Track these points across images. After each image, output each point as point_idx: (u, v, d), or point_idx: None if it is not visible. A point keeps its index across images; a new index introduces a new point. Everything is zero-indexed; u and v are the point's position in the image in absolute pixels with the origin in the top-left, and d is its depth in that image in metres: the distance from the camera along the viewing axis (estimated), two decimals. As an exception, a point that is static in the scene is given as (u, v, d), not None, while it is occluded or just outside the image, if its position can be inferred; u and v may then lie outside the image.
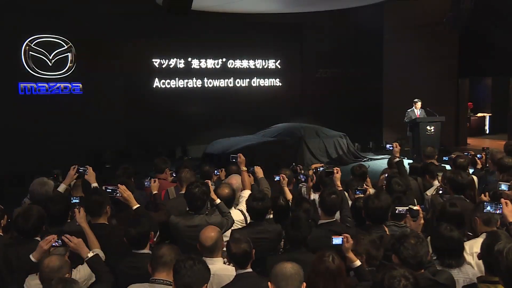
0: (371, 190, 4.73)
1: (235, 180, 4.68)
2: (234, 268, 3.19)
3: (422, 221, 3.57)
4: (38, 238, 3.31)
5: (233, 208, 4.22)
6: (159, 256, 2.83)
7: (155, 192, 4.52)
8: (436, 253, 3.15)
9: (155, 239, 3.69)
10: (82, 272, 3.11)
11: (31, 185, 4.40)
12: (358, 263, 3.07)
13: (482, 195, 4.37)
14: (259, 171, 4.89)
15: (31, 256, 3.05)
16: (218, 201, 3.96)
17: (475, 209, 3.52)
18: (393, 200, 3.84)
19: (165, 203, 4.52)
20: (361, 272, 3.03)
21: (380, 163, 11.13)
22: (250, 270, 2.98)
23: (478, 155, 6.29)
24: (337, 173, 4.60)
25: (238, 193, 4.54)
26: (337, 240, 3.15)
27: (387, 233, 3.63)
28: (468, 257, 3.23)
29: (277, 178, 4.80)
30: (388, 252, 3.29)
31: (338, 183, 4.57)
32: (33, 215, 3.38)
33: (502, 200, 3.13)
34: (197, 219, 3.76)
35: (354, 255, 3.08)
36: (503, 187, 4.10)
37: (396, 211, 3.66)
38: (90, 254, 3.12)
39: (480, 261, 3.20)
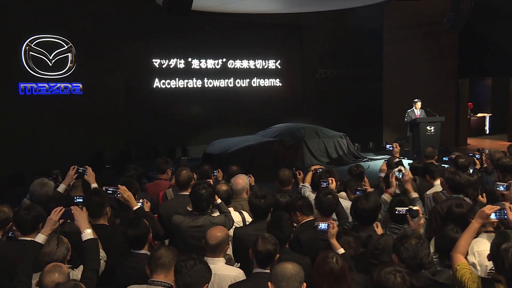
0: (371, 191, 4.73)
1: (241, 179, 4.63)
2: (235, 268, 3.19)
3: (422, 221, 3.57)
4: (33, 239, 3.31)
5: (232, 209, 4.21)
6: (157, 257, 2.82)
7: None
8: (439, 253, 3.16)
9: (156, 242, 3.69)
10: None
11: (31, 185, 4.39)
12: (341, 250, 3.17)
13: (480, 196, 4.38)
14: (251, 180, 4.87)
15: (39, 234, 3.04)
16: (219, 201, 3.97)
17: (470, 212, 3.52)
18: (396, 202, 3.85)
19: (162, 204, 4.51)
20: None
21: (380, 163, 11.11)
22: (268, 271, 2.97)
23: (476, 156, 6.30)
24: (331, 183, 4.56)
25: (243, 194, 4.51)
26: (323, 226, 3.30)
27: (378, 232, 3.64)
28: (470, 257, 3.23)
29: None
30: (376, 251, 3.30)
31: None
32: (35, 209, 3.41)
33: (506, 205, 3.12)
34: (201, 220, 3.78)
35: None
36: (501, 187, 4.10)
37: (396, 212, 3.66)
38: (88, 231, 3.11)
39: (484, 260, 3.22)
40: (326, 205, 3.81)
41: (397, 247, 2.81)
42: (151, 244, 3.59)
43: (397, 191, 4.70)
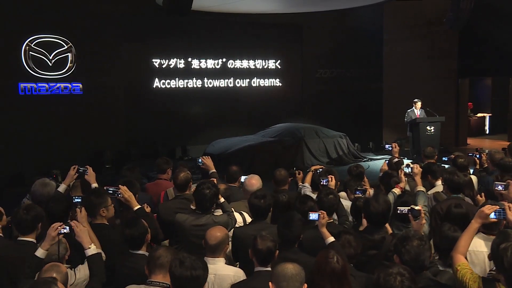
0: (371, 191, 4.73)
1: (255, 180, 4.63)
2: (235, 268, 3.19)
3: (424, 221, 3.57)
4: (33, 240, 3.30)
5: (233, 209, 4.21)
6: (155, 257, 2.82)
7: None
8: (439, 253, 3.15)
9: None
10: (82, 272, 3.12)
11: (33, 186, 4.37)
12: (331, 239, 3.31)
13: (478, 195, 4.37)
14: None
15: (39, 248, 3.01)
16: (222, 199, 3.97)
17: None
18: (400, 203, 3.86)
19: (161, 205, 4.52)
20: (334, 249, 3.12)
21: (380, 163, 11.11)
22: (269, 269, 2.98)
23: (477, 156, 6.30)
24: (331, 180, 4.58)
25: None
26: (313, 216, 3.44)
27: (389, 233, 3.64)
28: None
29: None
30: (390, 253, 3.30)
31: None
32: (34, 209, 3.41)
33: (506, 204, 3.11)
34: (204, 219, 3.78)
35: None
36: (499, 187, 4.10)
37: (398, 211, 3.66)
38: (92, 247, 3.12)
39: (475, 260, 3.22)
40: (328, 205, 3.82)
41: (399, 249, 2.80)
42: (150, 244, 3.59)
43: (407, 187, 4.72)
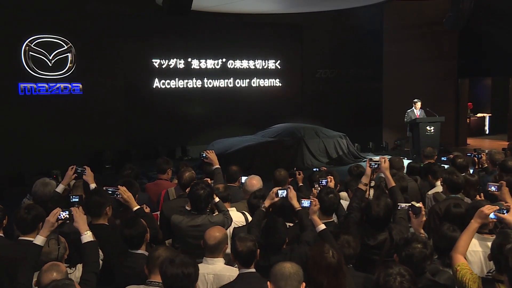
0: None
1: (255, 181, 4.63)
2: (235, 268, 3.20)
3: (424, 218, 3.55)
4: (33, 239, 3.30)
5: (234, 209, 4.21)
6: (155, 257, 2.81)
7: None
8: (438, 252, 3.15)
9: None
10: (81, 271, 3.11)
11: (34, 185, 4.36)
12: (322, 226, 3.35)
13: (477, 196, 4.37)
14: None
15: (38, 236, 3.00)
16: (216, 199, 3.96)
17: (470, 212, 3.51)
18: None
19: (165, 204, 4.52)
20: (325, 236, 3.23)
21: (380, 163, 11.09)
22: (253, 270, 2.97)
23: (477, 156, 6.29)
24: (330, 181, 4.56)
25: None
26: (305, 203, 3.51)
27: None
28: None
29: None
30: (391, 251, 3.30)
31: None
32: (35, 209, 3.42)
33: (505, 205, 3.10)
34: (200, 219, 3.77)
35: None
36: (492, 188, 4.10)
37: (399, 207, 3.65)
38: (88, 233, 3.10)
39: (472, 260, 3.22)
40: (328, 204, 3.81)
41: (400, 252, 2.81)
42: (150, 244, 3.59)
43: (372, 183, 4.58)
